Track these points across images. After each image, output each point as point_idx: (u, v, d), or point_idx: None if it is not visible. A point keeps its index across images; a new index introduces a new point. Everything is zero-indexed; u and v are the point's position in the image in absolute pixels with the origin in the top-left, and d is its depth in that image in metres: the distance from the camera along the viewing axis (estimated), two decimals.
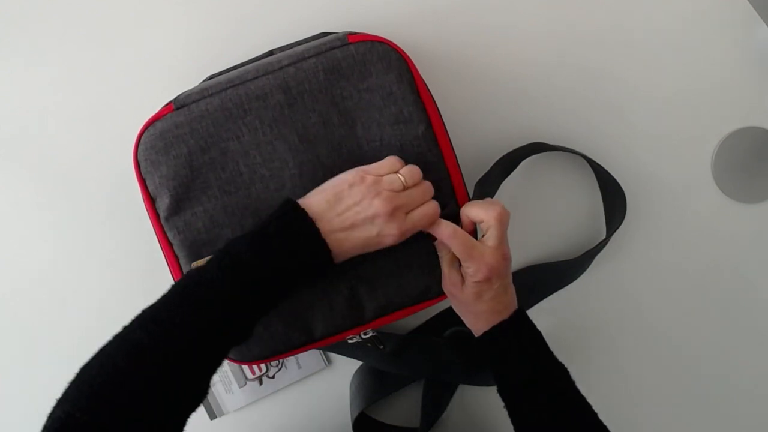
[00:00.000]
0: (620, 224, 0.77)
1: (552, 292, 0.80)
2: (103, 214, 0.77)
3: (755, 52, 0.77)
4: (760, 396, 0.81)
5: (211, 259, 0.56)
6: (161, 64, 0.76)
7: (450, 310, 0.77)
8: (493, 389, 0.77)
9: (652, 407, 0.82)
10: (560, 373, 0.62)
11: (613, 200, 0.78)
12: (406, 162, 0.63)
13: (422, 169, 0.65)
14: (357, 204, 0.58)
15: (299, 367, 0.78)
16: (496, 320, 0.63)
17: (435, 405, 0.79)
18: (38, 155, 0.77)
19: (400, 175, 0.60)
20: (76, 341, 0.77)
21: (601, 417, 0.60)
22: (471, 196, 0.71)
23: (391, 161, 0.62)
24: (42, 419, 0.50)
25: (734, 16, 0.77)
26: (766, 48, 0.77)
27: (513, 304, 0.64)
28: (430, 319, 0.79)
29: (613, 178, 0.77)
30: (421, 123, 0.65)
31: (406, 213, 0.60)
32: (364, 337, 0.69)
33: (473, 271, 0.62)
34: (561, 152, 0.77)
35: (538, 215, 0.79)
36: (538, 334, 0.64)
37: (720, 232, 0.79)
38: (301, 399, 0.79)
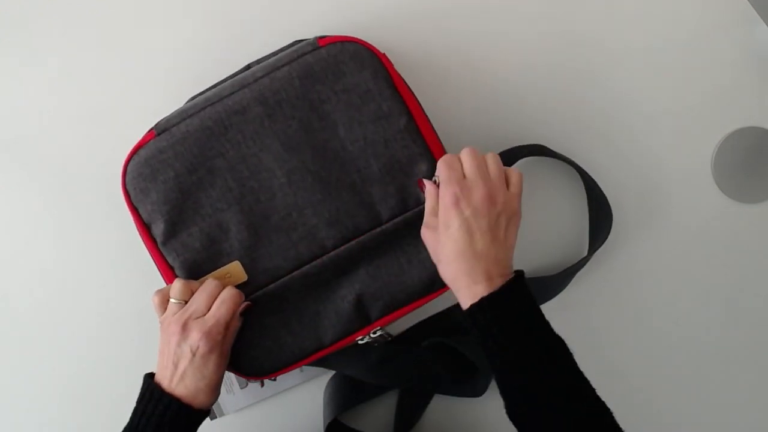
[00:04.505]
0: (603, 243, 0.75)
1: None
2: (100, 215, 0.78)
3: (755, 52, 0.76)
4: (761, 397, 0.79)
5: None
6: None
7: (430, 319, 0.76)
8: (468, 399, 0.76)
9: (652, 418, 0.80)
10: (555, 349, 0.58)
11: (600, 220, 0.76)
12: (395, 155, 0.64)
13: (409, 162, 0.65)
14: (166, 346, 0.64)
15: (301, 370, 0.78)
16: (477, 290, 0.59)
17: (409, 414, 0.78)
18: (32, 157, 0.78)
19: (172, 299, 0.65)
20: (74, 341, 0.79)
21: None
22: None
23: (178, 285, 0.65)
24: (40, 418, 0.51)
25: (734, 16, 0.76)
26: (766, 48, 0.75)
27: (491, 273, 0.59)
28: (412, 326, 0.77)
29: (605, 197, 0.75)
30: (402, 116, 0.65)
31: (202, 316, 0.63)
32: (373, 336, 0.68)
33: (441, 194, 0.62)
34: (556, 163, 0.76)
35: (524, 225, 0.78)
36: (528, 307, 0.60)
37: (720, 232, 0.78)
38: (302, 402, 0.79)
